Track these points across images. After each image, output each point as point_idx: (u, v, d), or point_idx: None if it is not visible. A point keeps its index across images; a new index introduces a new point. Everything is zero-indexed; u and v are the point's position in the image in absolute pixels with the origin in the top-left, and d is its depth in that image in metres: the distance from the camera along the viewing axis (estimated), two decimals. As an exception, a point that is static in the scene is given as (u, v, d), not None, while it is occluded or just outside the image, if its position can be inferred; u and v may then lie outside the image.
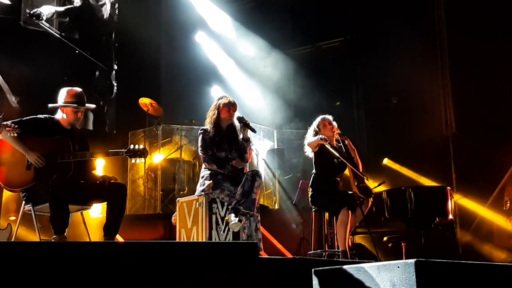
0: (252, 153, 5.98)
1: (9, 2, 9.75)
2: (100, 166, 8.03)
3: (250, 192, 5.34)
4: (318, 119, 6.70)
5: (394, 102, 10.83)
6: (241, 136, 5.80)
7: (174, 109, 11.68)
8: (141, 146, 5.29)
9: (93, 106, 5.47)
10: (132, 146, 5.25)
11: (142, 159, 5.33)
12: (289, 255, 8.37)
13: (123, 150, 5.22)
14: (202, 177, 5.63)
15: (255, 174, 5.46)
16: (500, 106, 9.36)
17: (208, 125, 5.75)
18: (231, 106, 5.76)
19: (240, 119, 5.75)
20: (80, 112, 5.23)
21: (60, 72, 9.98)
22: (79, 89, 5.29)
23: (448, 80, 10.23)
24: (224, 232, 5.33)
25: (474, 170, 9.55)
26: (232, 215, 5.21)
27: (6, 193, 6.90)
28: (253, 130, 5.75)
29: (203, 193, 5.47)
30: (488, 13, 9.54)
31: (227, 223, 5.27)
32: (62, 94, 5.22)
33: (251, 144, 5.81)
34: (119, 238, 8.21)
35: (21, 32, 9.79)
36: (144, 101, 10.80)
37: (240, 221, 5.17)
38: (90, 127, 10.49)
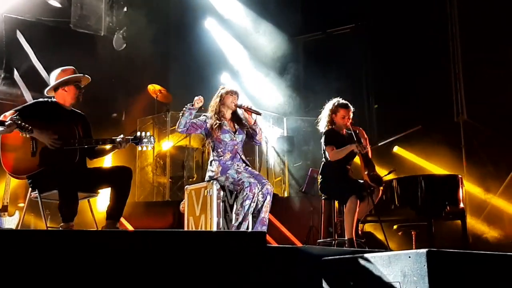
0: (262, 135, 5.88)
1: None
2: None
3: (260, 212, 5.35)
4: (337, 102, 6.63)
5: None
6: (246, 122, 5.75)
7: (183, 95, 11.62)
8: (148, 133, 5.24)
9: (88, 77, 5.38)
10: (139, 133, 5.21)
11: (149, 147, 5.27)
12: (298, 243, 8.34)
13: (129, 137, 5.18)
14: (211, 161, 5.63)
15: (266, 193, 5.40)
16: (512, 93, 9.26)
17: (211, 113, 5.72)
18: (233, 94, 5.74)
19: (240, 106, 5.70)
20: (82, 88, 5.22)
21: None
22: (72, 67, 5.30)
23: (460, 67, 10.11)
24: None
25: (485, 157, 9.46)
26: None
27: (15, 179, 6.91)
28: (258, 113, 5.69)
29: (210, 178, 5.45)
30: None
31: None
32: (59, 75, 5.21)
33: (258, 125, 5.76)
34: (127, 225, 8.26)
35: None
36: (153, 88, 10.78)
37: None
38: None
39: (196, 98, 5.52)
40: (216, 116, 5.66)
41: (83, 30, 10.81)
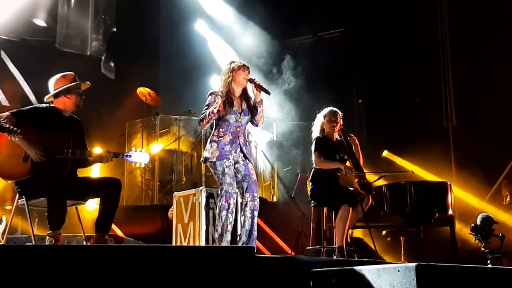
0: (262, 119, 5.57)
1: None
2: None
3: (251, 231, 5.18)
4: (327, 109, 6.59)
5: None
6: (253, 99, 5.46)
7: (172, 99, 11.60)
8: (143, 150, 5.19)
9: (88, 83, 5.34)
10: (133, 149, 5.19)
11: (143, 163, 5.21)
12: (287, 249, 8.33)
13: (123, 153, 5.15)
14: (210, 141, 5.35)
15: (254, 209, 5.21)
16: (501, 99, 9.30)
17: (221, 88, 5.40)
18: (245, 69, 5.41)
19: (252, 80, 5.39)
20: (83, 95, 5.17)
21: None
22: (72, 72, 5.24)
23: (450, 72, 10.15)
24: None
25: (474, 163, 9.49)
26: None
27: (2, 182, 6.84)
28: (267, 92, 5.39)
29: (205, 160, 5.27)
30: (490, 5, 9.45)
31: None
32: (59, 80, 5.15)
33: (262, 107, 5.43)
34: (116, 230, 8.20)
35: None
36: (143, 91, 10.73)
37: None
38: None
39: (214, 105, 5.16)
40: (226, 92, 5.34)
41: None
